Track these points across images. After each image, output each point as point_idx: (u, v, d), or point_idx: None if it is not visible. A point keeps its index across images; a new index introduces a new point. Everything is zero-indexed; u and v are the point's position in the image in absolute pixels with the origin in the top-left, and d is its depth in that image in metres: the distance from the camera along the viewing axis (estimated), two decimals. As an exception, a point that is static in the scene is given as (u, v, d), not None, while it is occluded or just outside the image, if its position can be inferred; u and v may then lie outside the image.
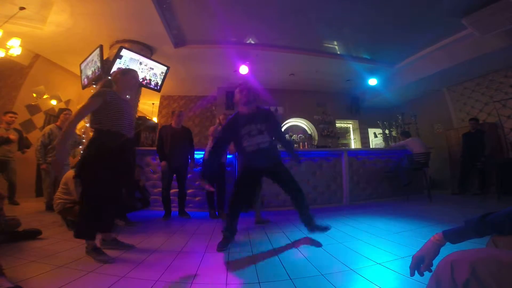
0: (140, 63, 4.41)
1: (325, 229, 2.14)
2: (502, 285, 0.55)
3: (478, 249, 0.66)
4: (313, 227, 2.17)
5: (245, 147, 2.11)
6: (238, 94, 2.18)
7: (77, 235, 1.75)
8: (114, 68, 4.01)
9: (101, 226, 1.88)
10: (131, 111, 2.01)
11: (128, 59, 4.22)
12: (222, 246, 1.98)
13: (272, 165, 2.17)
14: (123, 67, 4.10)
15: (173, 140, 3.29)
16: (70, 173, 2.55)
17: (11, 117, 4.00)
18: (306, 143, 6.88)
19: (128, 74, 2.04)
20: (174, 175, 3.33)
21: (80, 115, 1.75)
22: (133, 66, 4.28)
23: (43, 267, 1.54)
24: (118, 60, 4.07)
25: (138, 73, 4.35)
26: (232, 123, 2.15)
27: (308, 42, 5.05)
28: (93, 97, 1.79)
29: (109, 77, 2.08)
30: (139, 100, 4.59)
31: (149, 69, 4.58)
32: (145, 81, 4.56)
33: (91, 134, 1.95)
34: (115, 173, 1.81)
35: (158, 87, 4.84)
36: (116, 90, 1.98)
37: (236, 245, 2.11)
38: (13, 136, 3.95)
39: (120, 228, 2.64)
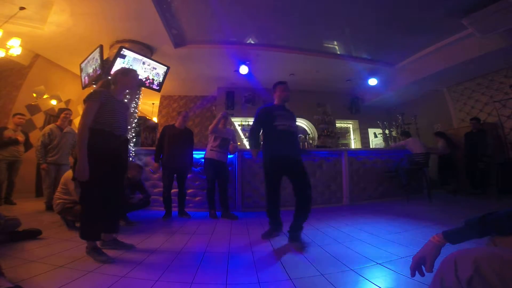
0: (143, 63, 4.42)
1: (302, 246, 2.00)
2: (505, 281, 0.55)
3: (481, 247, 0.67)
4: (294, 237, 2.11)
5: (276, 126, 2.29)
6: (284, 92, 2.44)
7: (82, 237, 1.75)
8: (115, 68, 4.01)
9: (105, 226, 1.87)
10: (125, 112, 2.01)
11: (132, 59, 4.23)
12: (265, 235, 2.31)
13: (295, 158, 2.27)
14: (127, 66, 4.11)
15: (176, 140, 3.29)
16: (69, 173, 2.55)
17: (20, 118, 4.05)
18: (306, 143, 6.88)
19: (129, 74, 2.04)
20: (175, 174, 3.33)
21: (86, 123, 1.73)
22: (136, 65, 4.29)
23: (43, 267, 1.54)
24: (122, 60, 4.08)
25: (142, 72, 4.41)
26: (270, 109, 2.41)
27: (308, 42, 5.05)
28: (89, 100, 1.78)
29: (109, 77, 2.07)
30: (139, 101, 4.59)
31: (152, 69, 4.59)
32: (148, 81, 4.57)
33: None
34: (111, 172, 1.80)
35: (159, 87, 4.84)
36: (115, 89, 1.98)
37: (236, 245, 2.11)
38: (21, 137, 4.00)
39: (120, 228, 2.64)
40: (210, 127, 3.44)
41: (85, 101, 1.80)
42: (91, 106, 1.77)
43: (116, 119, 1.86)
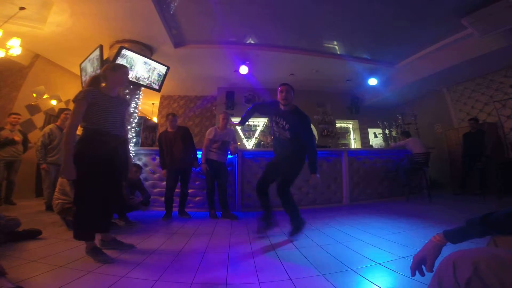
0: (145, 63, 4.42)
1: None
2: (504, 283, 0.55)
3: (479, 248, 0.66)
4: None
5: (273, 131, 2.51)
6: (278, 94, 2.36)
7: (76, 237, 1.74)
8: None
9: (98, 226, 1.86)
10: (121, 109, 1.95)
11: (133, 59, 4.23)
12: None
13: (283, 158, 2.37)
14: (128, 66, 4.12)
15: (173, 143, 3.31)
16: None
17: (15, 118, 4.04)
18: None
19: (119, 70, 1.95)
20: (179, 176, 3.35)
21: (73, 123, 1.71)
22: (138, 65, 4.30)
23: (43, 267, 1.54)
24: (124, 60, 4.08)
25: (143, 72, 4.41)
26: (269, 106, 2.57)
27: (308, 42, 5.04)
28: (77, 100, 1.74)
29: (99, 74, 1.99)
30: (139, 101, 4.58)
31: (153, 69, 4.59)
32: (149, 81, 4.57)
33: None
34: (105, 172, 1.78)
35: (159, 87, 4.84)
36: (106, 86, 1.91)
37: (236, 245, 2.11)
38: (17, 137, 3.99)
39: (120, 228, 2.65)
40: (209, 132, 3.45)
41: (73, 101, 1.77)
42: (78, 106, 1.73)
43: (108, 118, 1.81)
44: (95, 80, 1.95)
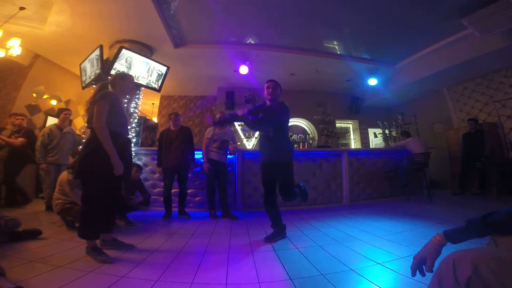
0: (145, 63, 4.43)
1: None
2: (504, 282, 0.55)
3: (479, 248, 0.66)
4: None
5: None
6: (265, 90, 2.33)
7: (82, 236, 1.76)
8: (115, 68, 4.01)
9: (104, 225, 1.88)
10: (125, 113, 2.07)
11: (133, 59, 4.23)
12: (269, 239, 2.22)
13: (270, 159, 2.27)
14: (127, 66, 4.13)
15: (173, 142, 3.34)
16: (64, 174, 2.55)
17: (18, 119, 4.04)
18: (306, 143, 6.89)
19: (127, 78, 2.09)
20: (176, 175, 3.35)
21: (102, 123, 1.76)
22: (137, 65, 4.29)
23: (43, 267, 1.54)
24: (123, 60, 4.08)
25: (143, 73, 4.42)
26: (258, 108, 2.44)
27: (308, 42, 5.04)
28: (101, 100, 1.81)
29: (106, 81, 2.11)
30: (139, 101, 4.58)
31: (153, 69, 4.60)
32: (149, 80, 4.58)
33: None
34: (112, 172, 1.79)
35: (159, 87, 4.85)
36: (114, 93, 2.01)
37: (236, 245, 2.11)
38: (15, 140, 3.92)
39: (120, 228, 2.65)
40: (208, 132, 3.46)
41: (96, 101, 1.82)
42: (104, 105, 1.80)
43: (122, 120, 1.92)
44: (104, 87, 2.04)
